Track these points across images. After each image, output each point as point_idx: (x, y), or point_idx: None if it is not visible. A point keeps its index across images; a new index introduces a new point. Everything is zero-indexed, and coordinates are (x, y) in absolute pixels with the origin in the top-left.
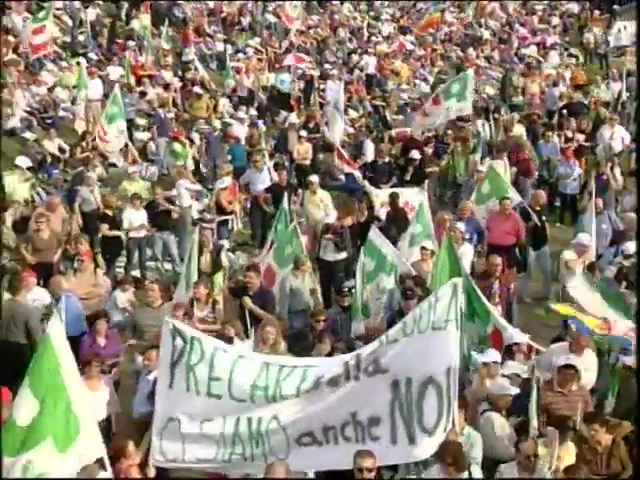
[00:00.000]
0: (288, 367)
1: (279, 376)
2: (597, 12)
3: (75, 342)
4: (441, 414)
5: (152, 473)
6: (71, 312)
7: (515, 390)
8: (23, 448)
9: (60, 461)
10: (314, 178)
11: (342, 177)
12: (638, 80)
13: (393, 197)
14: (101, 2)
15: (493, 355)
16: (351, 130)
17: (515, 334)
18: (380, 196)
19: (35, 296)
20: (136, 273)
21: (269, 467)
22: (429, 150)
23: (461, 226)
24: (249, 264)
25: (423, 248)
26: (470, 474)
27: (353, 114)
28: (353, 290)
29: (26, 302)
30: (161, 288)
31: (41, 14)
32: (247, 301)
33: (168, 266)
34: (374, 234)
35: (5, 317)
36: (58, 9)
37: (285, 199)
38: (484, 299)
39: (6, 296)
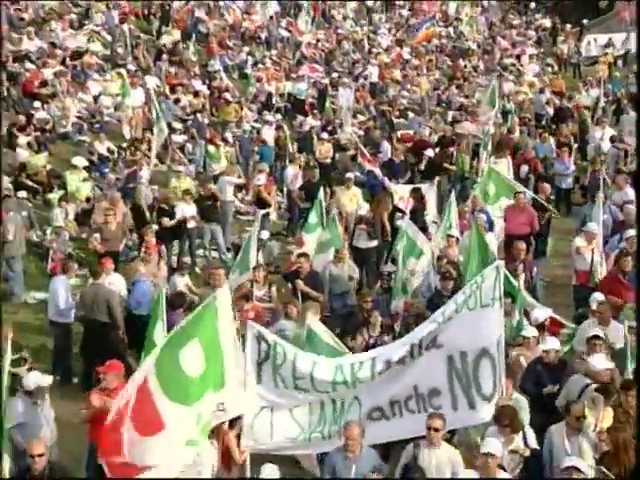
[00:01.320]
0: (357, 363)
1: (352, 370)
2: (568, 26)
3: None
4: (495, 382)
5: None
6: (145, 294)
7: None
8: (195, 398)
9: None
10: (350, 175)
11: (357, 174)
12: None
13: (416, 192)
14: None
15: (532, 331)
16: (360, 132)
17: (541, 313)
18: (398, 191)
19: (112, 280)
20: (186, 260)
21: (346, 425)
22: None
23: (483, 216)
24: (300, 252)
25: (450, 236)
26: (524, 434)
27: (361, 117)
28: (393, 275)
29: (106, 285)
30: (225, 272)
31: None
32: (300, 284)
33: (215, 254)
34: (406, 224)
35: (89, 298)
36: (97, 25)
37: (321, 193)
38: (512, 279)
39: (89, 280)
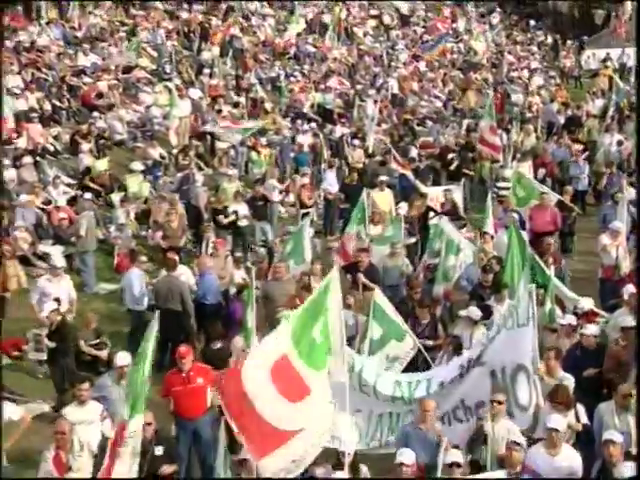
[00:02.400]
0: (414, 382)
1: (410, 388)
2: (569, 42)
3: (212, 309)
4: (531, 394)
5: None
6: (212, 285)
7: None
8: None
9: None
10: (384, 178)
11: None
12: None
13: (447, 193)
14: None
15: (570, 319)
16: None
17: (586, 302)
18: (429, 193)
19: (181, 272)
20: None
21: (422, 400)
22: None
23: (515, 216)
24: (360, 247)
25: (485, 233)
26: (576, 412)
27: (384, 126)
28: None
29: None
30: (287, 267)
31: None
32: (361, 276)
33: (263, 250)
34: (444, 222)
35: (163, 289)
36: (145, 43)
37: (364, 194)
38: (547, 270)
39: (162, 273)
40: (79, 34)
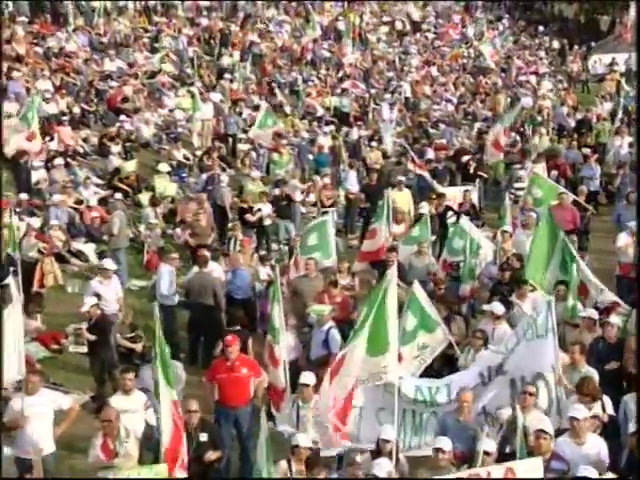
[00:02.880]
0: (434, 387)
1: (431, 393)
2: (576, 47)
3: (243, 303)
4: (551, 399)
5: None
6: (244, 281)
7: None
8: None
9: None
10: (402, 179)
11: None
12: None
13: (466, 194)
14: (197, 43)
15: (591, 312)
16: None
17: (609, 296)
18: (447, 193)
19: (212, 268)
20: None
21: (460, 392)
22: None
23: (533, 215)
24: (391, 246)
25: (504, 232)
26: (602, 403)
27: (398, 129)
28: (459, 264)
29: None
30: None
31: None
32: None
33: (286, 248)
34: (465, 222)
35: (196, 284)
36: (167, 49)
37: (387, 193)
38: (579, 259)
39: (195, 269)
40: (104, 40)
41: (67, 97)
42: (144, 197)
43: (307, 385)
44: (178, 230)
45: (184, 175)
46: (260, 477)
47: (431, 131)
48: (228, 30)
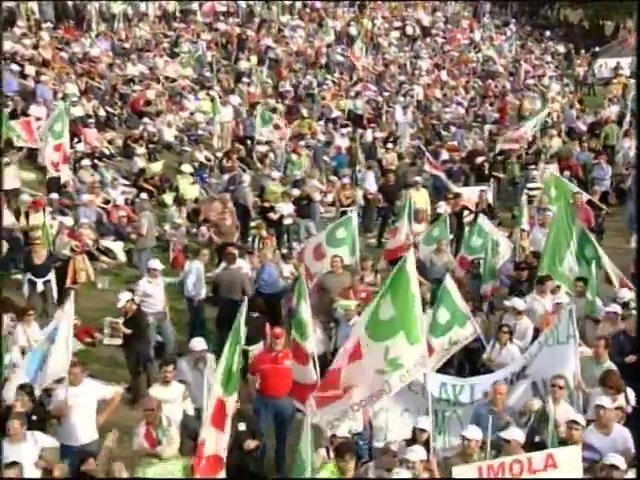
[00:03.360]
0: (459, 386)
1: (454, 391)
2: (583, 51)
3: (271, 299)
4: (572, 402)
5: None
6: (271, 276)
7: None
8: (387, 336)
9: (409, 351)
10: (419, 179)
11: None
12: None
13: (483, 193)
14: (215, 47)
15: (614, 307)
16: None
17: (625, 292)
18: (463, 193)
19: (240, 265)
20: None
21: (495, 384)
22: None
23: (549, 213)
24: (412, 243)
25: (522, 230)
26: (626, 395)
27: (411, 130)
28: (480, 261)
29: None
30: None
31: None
32: None
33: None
34: (483, 220)
35: (225, 280)
36: (185, 53)
37: (408, 193)
38: (599, 248)
39: (222, 266)
40: (126, 45)
41: (93, 100)
42: (168, 197)
43: None
44: (202, 229)
45: (205, 176)
46: (304, 466)
47: (443, 133)
48: (245, 35)
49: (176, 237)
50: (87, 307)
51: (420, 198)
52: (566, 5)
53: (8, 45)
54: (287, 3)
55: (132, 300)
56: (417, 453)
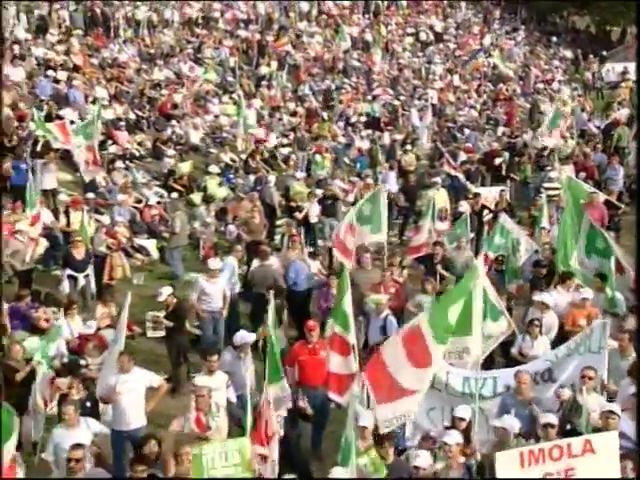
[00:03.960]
0: (481, 379)
1: (477, 385)
2: (591, 56)
3: (302, 294)
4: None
5: None
6: (302, 273)
7: None
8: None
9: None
10: (437, 179)
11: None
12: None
13: (503, 193)
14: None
15: None
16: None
17: None
18: (482, 193)
19: (272, 262)
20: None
21: (517, 373)
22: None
23: None
24: (436, 241)
25: (542, 228)
26: None
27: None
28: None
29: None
30: (369, 256)
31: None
32: (439, 267)
33: (329, 243)
34: (504, 219)
35: (259, 276)
36: (209, 58)
37: (432, 194)
38: (611, 240)
39: (256, 262)
40: (151, 51)
41: (123, 104)
42: (196, 197)
43: None
44: (230, 227)
45: (231, 176)
46: (349, 451)
47: (457, 135)
48: (265, 41)
49: (206, 235)
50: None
51: (440, 198)
52: (573, 12)
53: (41, 52)
54: (304, 10)
55: (173, 294)
56: (453, 437)
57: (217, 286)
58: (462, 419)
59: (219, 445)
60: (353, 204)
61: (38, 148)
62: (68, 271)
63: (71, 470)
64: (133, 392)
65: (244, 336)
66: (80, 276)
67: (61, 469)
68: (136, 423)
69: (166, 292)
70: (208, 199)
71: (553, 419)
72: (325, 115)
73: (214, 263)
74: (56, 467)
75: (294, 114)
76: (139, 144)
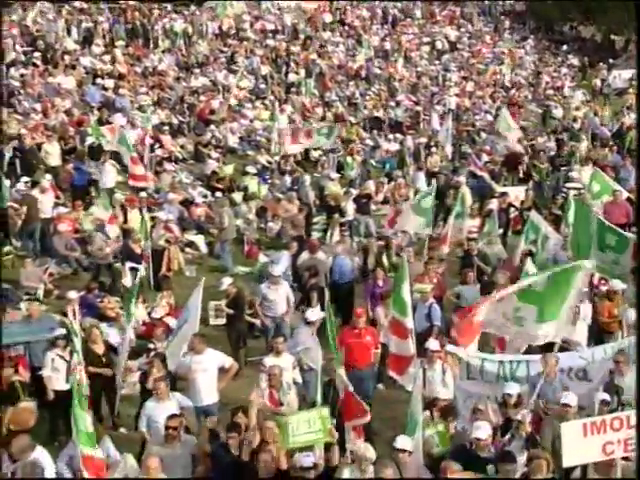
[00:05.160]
0: (515, 362)
1: (511, 367)
2: (600, 64)
3: (347, 286)
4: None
5: None
6: (342, 267)
7: None
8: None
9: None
10: (462, 179)
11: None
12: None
13: (528, 192)
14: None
15: None
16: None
17: None
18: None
19: (321, 255)
20: None
21: (544, 356)
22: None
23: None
24: (471, 237)
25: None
26: None
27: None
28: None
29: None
30: (413, 250)
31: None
32: (477, 260)
33: (364, 240)
34: (534, 216)
35: (305, 267)
36: (240, 67)
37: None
38: (624, 234)
39: (305, 255)
40: (188, 60)
41: (165, 110)
42: (237, 196)
43: (435, 351)
44: (270, 224)
45: (267, 177)
46: (416, 425)
47: (476, 139)
48: (292, 51)
49: (248, 231)
50: (179, 293)
51: (466, 197)
52: (579, 21)
53: (88, 61)
54: (327, 21)
55: (233, 284)
56: (483, 430)
57: (279, 292)
58: (510, 395)
59: (302, 414)
60: (383, 202)
61: (94, 151)
62: (129, 264)
63: (169, 437)
64: (206, 372)
65: (319, 313)
66: (141, 267)
67: (154, 438)
68: (209, 399)
69: (227, 282)
70: (249, 198)
71: (572, 399)
72: (353, 119)
73: (276, 270)
74: (150, 437)
75: (323, 119)
76: (181, 147)
